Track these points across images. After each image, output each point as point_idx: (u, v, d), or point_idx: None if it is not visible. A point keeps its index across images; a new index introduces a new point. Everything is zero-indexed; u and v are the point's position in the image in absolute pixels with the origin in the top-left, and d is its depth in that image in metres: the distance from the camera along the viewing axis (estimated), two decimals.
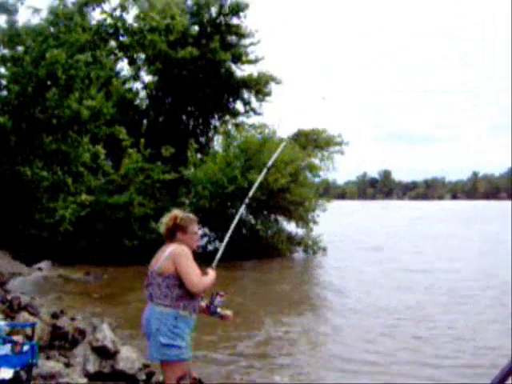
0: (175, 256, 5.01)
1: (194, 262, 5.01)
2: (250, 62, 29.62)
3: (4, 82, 23.24)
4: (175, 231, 5.23)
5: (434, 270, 22.32)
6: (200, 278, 4.95)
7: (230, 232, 5.71)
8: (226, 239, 5.72)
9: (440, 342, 11.57)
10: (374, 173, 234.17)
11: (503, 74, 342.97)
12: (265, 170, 6.98)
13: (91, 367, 7.36)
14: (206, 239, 25.49)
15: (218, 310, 5.33)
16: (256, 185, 6.32)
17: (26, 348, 6.52)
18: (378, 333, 12.35)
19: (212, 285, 5.21)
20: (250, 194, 6.17)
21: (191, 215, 5.42)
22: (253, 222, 25.66)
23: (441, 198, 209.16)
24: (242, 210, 5.86)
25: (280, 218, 26.64)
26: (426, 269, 22.45)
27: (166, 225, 5.27)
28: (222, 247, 5.64)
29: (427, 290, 17.81)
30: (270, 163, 7.32)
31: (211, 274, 5.25)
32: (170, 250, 5.10)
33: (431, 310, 14.83)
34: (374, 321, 13.61)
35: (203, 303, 5.33)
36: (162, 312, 4.95)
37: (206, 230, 25.19)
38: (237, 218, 5.78)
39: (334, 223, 40.49)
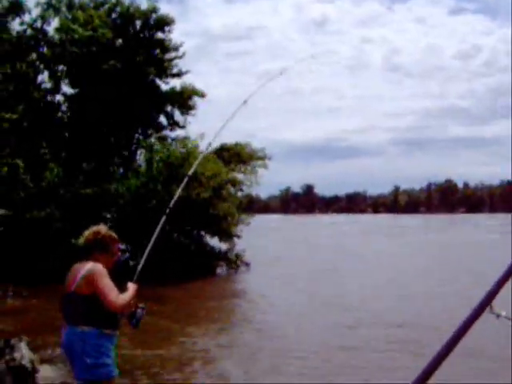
0: (92, 275, 4.89)
1: (110, 280, 4.91)
2: (174, 75, 29.63)
3: None
4: (94, 247, 5.10)
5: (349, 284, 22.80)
6: (117, 296, 4.84)
7: (150, 245, 5.65)
8: (147, 252, 5.66)
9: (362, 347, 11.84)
10: (296, 187, 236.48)
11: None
12: (185, 179, 6.96)
13: None
14: (127, 254, 25.21)
15: (139, 318, 5.28)
16: (177, 194, 6.29)
17: None
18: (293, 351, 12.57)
19: (133, 298, 5.12)
20: (171, 204, 6.15)
21: (113, 234, 5.29)
22: (175, 236, 25.51)
23: (363, 211, 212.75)
24: (163, 221, 5.80)
25: (203, 233, 26.60)
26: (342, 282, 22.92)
27: (85, 239, 5.15)
28: (142, 260, 5.57)
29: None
30: (190, 172, 7.36)
31: (131, 288, 5.15)
32: (86, 268, 4.95)
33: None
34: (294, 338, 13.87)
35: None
36: (84, 332, 4.84)
37: (129, 245, 24.92)
38: (157, 229, 5.72)
39: (258, 238, 40.70)
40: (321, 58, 8.55)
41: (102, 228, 5.26)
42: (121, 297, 4.90)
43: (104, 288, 4.83)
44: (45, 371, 7.63)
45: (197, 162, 8.21)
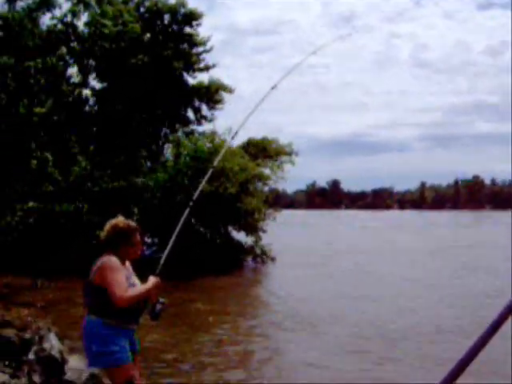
0: (102, 268, 5.03)
1: (121, 274, 4.99)
2: (201, 69, 29.70)
3: None
4: (115, 240, 5.19)
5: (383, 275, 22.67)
6: (124, 291, 4.90)
7: (173, 237, 5.67)
8: (170, 244, 5.68)
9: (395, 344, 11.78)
10: (322, 182, 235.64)
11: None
12: (210, 171, 6.97)
13: (38, 378, 7.29)
14: (154, 248, 25.36)
15: (159, 313, 5.30)
16: (201, 186, 6.30)
17: None
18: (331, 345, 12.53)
19: (153, 291, 5.18)
20: (195, 196, 6.16)
21: (133, 224, 5.35)
22: (202, 231, 25.60)
23: (389, 207, 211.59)
24: (186, 213, 5.80)
25: (230, 228, 26.66)
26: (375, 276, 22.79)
27: (106, 233, 5.24)
28: (165, 253, 5.59)
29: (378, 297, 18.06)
30: (215, 163, 7.39)
31: (150, 281, 5.19)
32: (101, 260, 5.10)
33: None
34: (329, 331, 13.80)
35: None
36: (93, 321, 5.02)
37: (156, 239, 25.09)
38: (181, 221, 5.73)
39: (284, 233, 40.69)
40: (349, 39, 8.42)
41: (120, 220, 5.31)
42: (129, 291, 4.96)
43: (111, 282, 4.93)
44: (73, 361, 7.72)
45: (222, 152, 8.22)
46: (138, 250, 5.34)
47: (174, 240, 5.63)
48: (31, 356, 8.44)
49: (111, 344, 4.91)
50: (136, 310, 5.13)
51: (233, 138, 7.77)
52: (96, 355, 4.98)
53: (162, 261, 5.45)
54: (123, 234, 5.18)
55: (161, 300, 5.28)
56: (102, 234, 5.27)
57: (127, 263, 5.35)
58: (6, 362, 9.23)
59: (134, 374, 5.03)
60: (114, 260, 5.07)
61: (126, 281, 5.01)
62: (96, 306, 5.03)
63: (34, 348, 8.00)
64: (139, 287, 5.14)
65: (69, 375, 7.24)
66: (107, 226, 5.26)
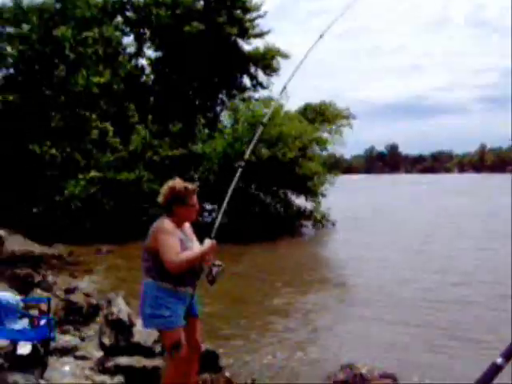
0: (155, 232, 5.03)
1: (173, 238, 4.96)
2: (256, 36, 29.48)
3: (11, 61, 23.16)
4: (172, 202, 5.15)
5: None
6: (175, 255, 4.88)
7: (226, 199, 5.57)
8: (224, 205, 5.57)
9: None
10: (381, 146, 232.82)
11: None
12: (260, 128, 6.86)
13: (107, 340, 7.40)
14: (214, 214, 25.54)
15: (215, 276, 5.22)
16: (252, 144, 6.20)
17: (42, 322, 6.58)
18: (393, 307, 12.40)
19: (209, 255, 5.13)
20: (246, 155, 6.08)
21: (190, 185, 5.29)
22: (262, 197, 25.64)
23: (448, 171, 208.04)
24: (238, 174, 5.69)
25: (289, 193, 26.62)
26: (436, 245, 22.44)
27: (163, 196, 5.20)
28: (219, 215, 5.46)
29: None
30: (265, 119, 7.32)
31: (206, 245, 5.14)
32: (154, 225, 5.10)
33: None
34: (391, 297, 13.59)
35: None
36: (148, 284, 5.07)
37: (215, 206, 25.22)
38: (233, 182, 5.61)
39: (343, 198, 40.39)
40: None
41: (177, 182, 5.26)
42: (181, 256, 4.93)
43: (162, 246, 4.93)
44: (141, 325, 7.81)
45: (271, 109, 8.04)
46: (194, 211, 5.29)
47: (227, 202, 5.54)
48: (100, 320, 8.61)
49: (163, 308, 4.95)
50: (191, 274, 5.10)
51: (282, 92, 7.57)
52: (148, 317, 5.05)
53: (216, 224, 5.36)
54: (179, 195, 5.14)
55: (217, 263, 5.22)
56: (160, 198, 5.23)
57: (186, 225, 5.32)
58: (77, 327, 9.47)
59: (180, 341, 5.02)
60: (166, 223, 5.05)
61: (179, 244, 4.99)
62: (151, 269, 5.05)
63: (103, 312, 8.14)
64: (193, 251, 5.11)
65: (137, 338, 7.34)
66: (164, 188, 5.22)
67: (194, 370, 5.48)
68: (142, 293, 5.12)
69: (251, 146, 6.18)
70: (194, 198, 5.27)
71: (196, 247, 5.22)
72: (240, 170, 5.74)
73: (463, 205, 42.18)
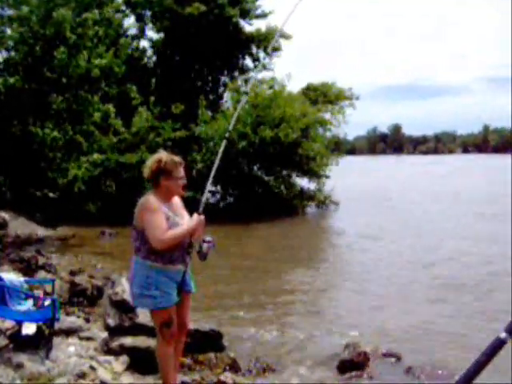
0: (140, 210, 4.94)
1: (158, 215, 4.85)
2: (258, 16, 29.34)
3: (12, 43, 23.03)
4: (159, 175, 5.00)
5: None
6: (161, 233, 4.79)
7: (213, 171, 5.48)
8: (210, 179, 5.50)
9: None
10: (383, 127, 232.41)
11: None
12: (244, 98, 6.96)
13: (111, 321, 7.42)
14: (218, 196, 25.59)
15: (206, 252, 5.13)
16: (236, 114, 6.24)
17: (47, 303, 6.58)
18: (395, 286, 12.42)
19: (198, 231, 5.02)
20: (231, 127, 6.12)
21: (176, 157, 5.11)
22: (265, 178, 25.62)
23: (451, 151, 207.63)
24: (223, 145, 5.64)
25: (292, 174, 26.60)
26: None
27: (149, 168, 5.03)
28: (206, 190, 5.33)
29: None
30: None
31: (194, 219, 5.02)
32: (139, 202, 4.99)
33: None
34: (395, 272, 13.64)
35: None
36: (137, 262, 4.97)
37: (218, 188, 25.24)
38: (219, 155, 5.52)
39: (346, 179, 40.35)
40: None
41: (163, 154, 5.10)
42: (168, 233, 4.84)
43: (148, 224, 4.86)
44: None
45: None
46: (181, 184, 5.10)
47: (213, 175, 5.44)
48: (105, 300, 8.63)
49: (153, 287, 4.86)
50: (181, 251, 5.01)
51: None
52: (138, 296, 4.98)
53: (203, 199, 5.23)
54: (166, 168, 4.97)
55: (207, 239, 5.13)
56: (146, 170, 5.07)
57: (175, 200, 5.18)
58: (81, 307, 9.50)
59: (171, 319, 4.98)
60: (151, 201, 4.93)
61: (165, 221, 4.87)
62: (140, 248, 4.95)
63: (108, 292, 8.15)
64: (179, 228, 4.96)
65: (141, 318, 7.34)
66: (150, 161, 5.08)
67: (178, 349, 5.36)
68: (132, 270, 5.02)
69: (235, 115, 6.32)
70: (182, 171, 5.09)
71: (185, 222, 5.07)
72: (225, 141, 5.74)
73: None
